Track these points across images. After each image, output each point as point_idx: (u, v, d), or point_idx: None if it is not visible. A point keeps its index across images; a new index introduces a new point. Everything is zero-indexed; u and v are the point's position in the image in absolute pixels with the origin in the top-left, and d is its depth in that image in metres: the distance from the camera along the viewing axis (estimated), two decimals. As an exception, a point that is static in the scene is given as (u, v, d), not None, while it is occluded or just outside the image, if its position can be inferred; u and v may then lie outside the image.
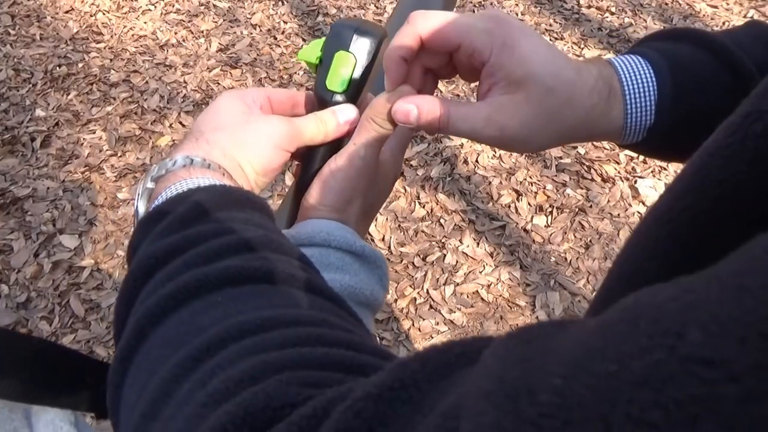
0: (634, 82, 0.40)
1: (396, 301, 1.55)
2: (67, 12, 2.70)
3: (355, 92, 0.43)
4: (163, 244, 0.31)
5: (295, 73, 2.36)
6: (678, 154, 0.44)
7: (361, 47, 0.42)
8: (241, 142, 0.40)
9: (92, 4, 2.76)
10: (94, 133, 2.12)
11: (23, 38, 2.57)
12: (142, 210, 0.38)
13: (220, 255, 0.29)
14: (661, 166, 2.05)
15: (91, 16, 2.68)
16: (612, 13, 2.99)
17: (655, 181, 1.99)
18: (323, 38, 0.44)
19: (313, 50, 0.44)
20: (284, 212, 0.47)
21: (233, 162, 0.39)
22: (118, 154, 2.04)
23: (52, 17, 2.67)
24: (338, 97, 0.43)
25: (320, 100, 0.44)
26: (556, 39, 2.73)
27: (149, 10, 2.69)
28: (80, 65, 2.40)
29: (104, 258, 1.73)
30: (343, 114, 0.43)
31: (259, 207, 0.36)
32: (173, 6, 2.72)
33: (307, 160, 0.44)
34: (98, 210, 1.87)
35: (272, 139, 0.40)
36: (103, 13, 2.68)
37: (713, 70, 0.40)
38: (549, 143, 0.41)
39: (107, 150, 2.05)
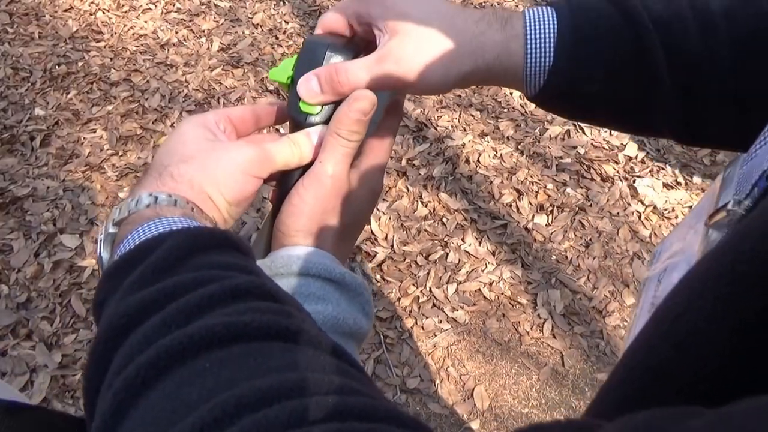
0: (536, 22, 0.41)
1: (399, 299, 1.57)
2: (66, 10, 2.71)
3: (329, 112, 0.41)
4: (136, 300, 0.27)
5: (296, 72, 2.38)
6: (580, 109, 0.45)
7: None
8: (210, 173, 0.37)
9: (92, 2, 2.76)
10: (95, 132, 2.13)
11: (22, 36, 2.57)
12: (106, 258, 0.35)
13: (203, 309, 0.26)
14: (659, 166, 2.08)
15: (90, 14, 2.68)
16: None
17: (653, 180, 2.02)
18: (295, 56, 0.42)
19: (284, 69, 0.42)
20: (261, 241, 0.44)
21: (202, 194, 0.37)
22: (119, 154, 2.04)
23: (51, 15, 2.68)
24: (313, 118, 0.41)
25: (294, 121, 0.42)
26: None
27: (150, 9, 2.70)
28: (80, 64, 2.41)
29: (106, 257, 1.74)
30: (318, 135, 0.40)
31: (238, 246, 0.32)
32: (174, 5, 2.74)
33: (283, 184, 0.42)
34: (99, 209, 1.87)
35: (241, 166, 0.37)
36: (103, 12, 2.68)
37: (610, 18, 0.41)
38: (452, 74, 0.41)
39: (108, 149, 2.06)
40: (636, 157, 2.11)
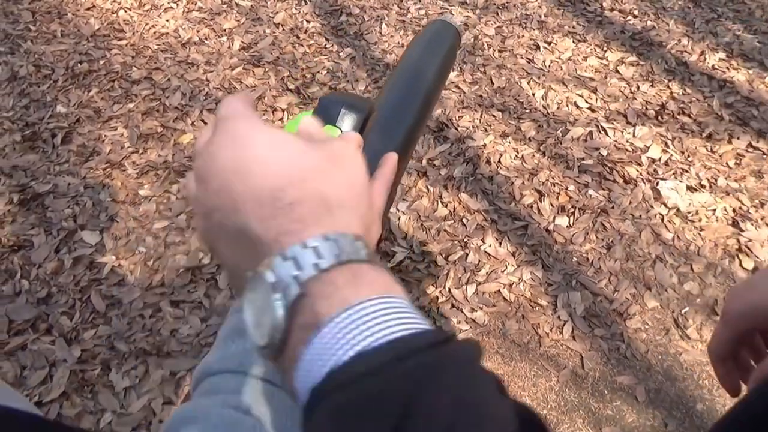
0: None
1: (418, 299, 1.62)
2: (88, 9, 2.82)
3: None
4: None
5: (318, 72, 2.45)
6: None
7: (348, 122, 0.44)
8: (373, 204, 0.34)
9: (114, 1, 2.87)
10: (116, 129, 2.21)
11: (44, 35, 2.68)
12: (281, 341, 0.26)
13: None
14: (683, 168, 2.11)
15: (112, 13, 2.79)
16: (635, 16, 3.05)
17: (676, 183, 2.05)
18: (311, 110, 0.44)
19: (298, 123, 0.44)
20: None
21: (367, 229, 0.31)
22: (140, 151, 2.13)
23: (73, 14, 2.79)
24: None
25: None
26: (579, 41, 2.80)
27: (171, 7, 2.80)
28: (101, 62, 2.51)
29: (125, 254, 1.81)
30: None
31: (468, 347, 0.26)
32: (195, 4, 2.83)
33: None
34: (119, 206, 1.95)
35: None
36: (125, 11, 2.78)
37: None
38: None
39: (128, 147, 2.14)
40: (659, 160, 2.14)
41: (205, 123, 2.23)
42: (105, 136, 2.19)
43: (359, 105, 0.45)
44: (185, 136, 2.17)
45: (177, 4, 2.82)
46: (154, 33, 2.66)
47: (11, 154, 2.11)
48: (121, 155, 2.11)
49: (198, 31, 2.67)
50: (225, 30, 2.67)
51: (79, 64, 2.49)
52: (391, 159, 0.41)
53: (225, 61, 2.49)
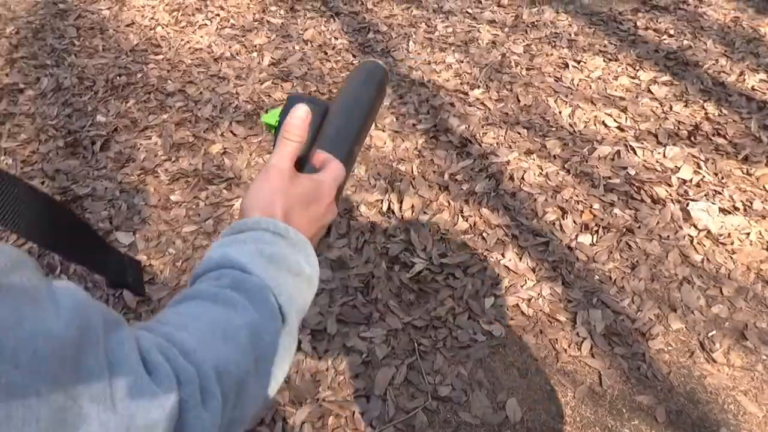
0: None
1: (435, 309, 1.63)
2: (128, 25, 2.98)
3: (306, 148, 0.56)
4: None
5: (344, 87, 2.52)
6: None
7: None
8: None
9: (152, 18, 3.02)
10: (150, 138, 2.32)
11: (87, 49, 2.84)
12: None
13: None
14: (715, 190, 2.08)
15: (150, 29, 2.94)
16: (670, 36, 3.04)
17: (708, 204, 2.01)
18: (280, 107, 0.57)
19: (272, 116, 0.58)
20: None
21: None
22: (172, 159, 2.22)
23: (114, 30, 2.95)
24: None
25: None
26: (610, 60, 2.81)
27: (205, 24, 2.93)
28: (139, 75, 2.64)
29: (156, 255, 1.89)
30: None
31: None
32: (228, 21, 2.96)
33: None
34: (152, 210, 2.04)
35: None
36: (162, 27, 2.93)
37: None
38: None
39: (162, 155, 2.24)
40: (691, 181, 2.12)
41: (234, 134, 2.33)
42: (140, 144, 2.30)
43: (319, 103, 0.57)
44: (215, 146, 2.26)
45: (211, 21, 2.95)
46: (189, 48, 2.79)
47: (54, 158, 2.24)
48: (155, 162, 2.21)
49: (230, 47, 2.78)
50: (256, 46, 2.78)
51: (118, 77, 2.63)
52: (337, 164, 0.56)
53: (255, 76, 2.59)
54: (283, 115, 0.56)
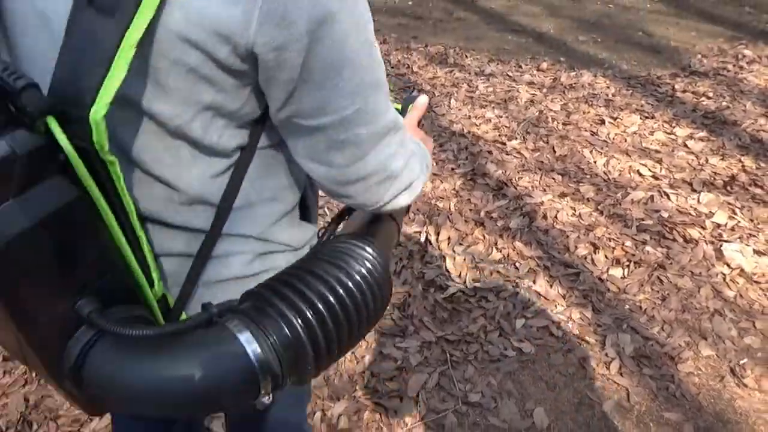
0: None
1: (468, 326, 1.77)
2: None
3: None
4: None
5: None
6: None
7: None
8: None
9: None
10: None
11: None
12: None
13: None
14: (750, 233, 2.17)
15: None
16: (708, 98, 3.22)
17: (742, 246, 2.10)
18: (399, 104, 0.85)
19: (396, 106, 0.82)
20: None
21: None
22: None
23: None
24: None
25: None
26: (646, 117, 3.00)
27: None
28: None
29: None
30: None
31: None
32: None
33: None
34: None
35: None
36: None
37: None
38: None
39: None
40: (725, 225, 2.21)
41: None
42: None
43: (412, 98, 0.87)
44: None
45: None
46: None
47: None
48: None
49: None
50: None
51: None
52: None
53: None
54: (405, 101, 0.84)
